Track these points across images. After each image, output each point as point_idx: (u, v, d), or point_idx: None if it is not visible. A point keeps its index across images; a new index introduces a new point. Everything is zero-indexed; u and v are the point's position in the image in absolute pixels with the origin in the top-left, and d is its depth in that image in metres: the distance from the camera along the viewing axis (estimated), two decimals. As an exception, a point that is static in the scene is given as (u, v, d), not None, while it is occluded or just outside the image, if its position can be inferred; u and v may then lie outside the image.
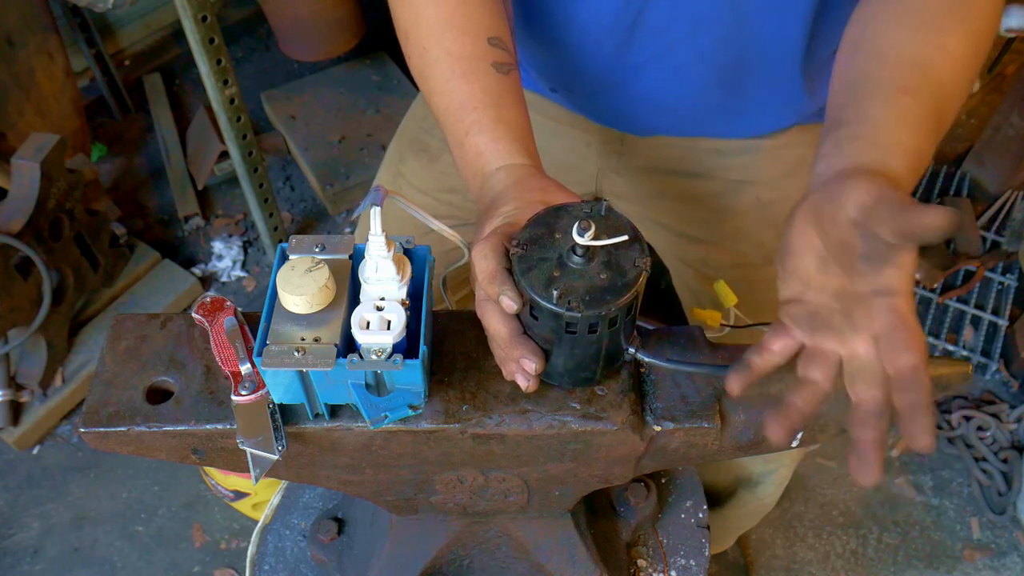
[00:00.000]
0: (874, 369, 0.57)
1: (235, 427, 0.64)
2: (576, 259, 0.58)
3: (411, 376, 0.59)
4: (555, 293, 0.57)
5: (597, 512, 0.90)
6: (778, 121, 1.05)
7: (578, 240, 0.57)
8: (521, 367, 0.61)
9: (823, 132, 0.69)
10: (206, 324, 0.66)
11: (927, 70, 0.69)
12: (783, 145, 1.07)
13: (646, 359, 0.65)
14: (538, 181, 0.70)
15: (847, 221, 0.56)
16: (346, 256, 0.63)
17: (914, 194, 2.26)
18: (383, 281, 0.60)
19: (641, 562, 0.92)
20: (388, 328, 0.57)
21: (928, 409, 0.54)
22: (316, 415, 0.64)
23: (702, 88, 0.97)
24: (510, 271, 0.60)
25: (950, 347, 2.03)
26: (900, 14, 0.72)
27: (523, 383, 0.62)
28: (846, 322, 0.59)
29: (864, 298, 0.57)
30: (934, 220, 0.49)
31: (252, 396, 0.60)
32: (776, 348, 0.61)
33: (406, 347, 0.59)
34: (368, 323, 0.57)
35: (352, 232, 1.77)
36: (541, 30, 0.96)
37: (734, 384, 0.60)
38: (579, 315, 0.57)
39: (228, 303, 0.67)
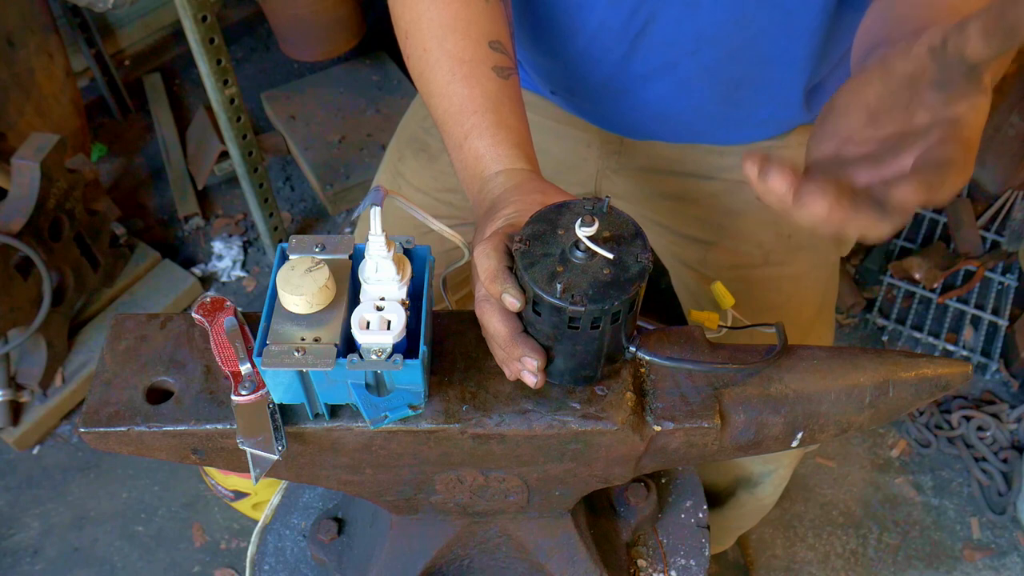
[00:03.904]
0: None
1: (235, 427, 0.64)
2: (579, 254, 0.58)
3: (411, 376, 0.59)
4: (559, 287, 0.57)
5: (597, 512, 0.90)
6: (776, 131, 1.06)
7: (581, 235, 0.57)
8: (524, 365, 0.61)
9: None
10: (206, 324, 0.66)
11: None
12: (783, 146, 1.07)
13: (647, 357, 0.65)
14: (538, 184, 0.70)
15: (924, 51, 0.51)
16: (346, 256, 0.63)
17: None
18: (383, 281, 0.60)
19: (641, 562, 0.92)
20: (388, 328, 0.57)
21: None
22: (316, 415, 0.64)
23: (704, 102, 0.97)
24: (512, 271, 0.60)
25: (950, 347, 2.03)
26: None
27: (531, 380, 0.62)
28: (890, 155, 0.53)
29: (922, 131, 0.52)
30: None
31: (252, 396, 0.60)
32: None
33: (406, 347, 0.59)
34: (368, 323, 0.57)
35: (352, 232, 1.77)
36: (546, 34, 0.96)
37: (750, 161, 0.52)
38: (582, 309, 0.57)
39: (228, 303, 0.67)
